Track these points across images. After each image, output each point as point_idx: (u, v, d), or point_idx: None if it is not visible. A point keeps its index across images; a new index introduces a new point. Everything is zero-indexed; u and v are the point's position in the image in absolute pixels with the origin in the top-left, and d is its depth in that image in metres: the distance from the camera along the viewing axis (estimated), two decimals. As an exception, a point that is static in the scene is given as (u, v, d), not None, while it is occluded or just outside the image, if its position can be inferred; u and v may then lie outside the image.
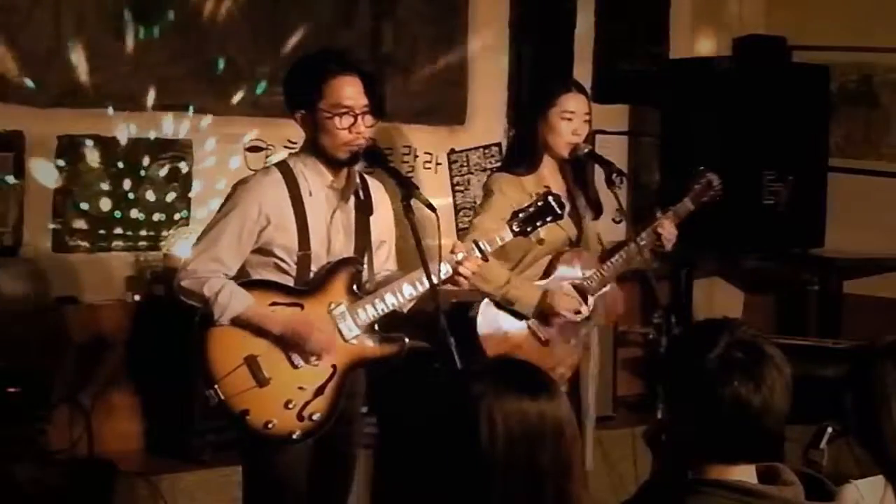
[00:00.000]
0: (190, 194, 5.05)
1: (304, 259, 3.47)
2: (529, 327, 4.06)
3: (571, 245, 4.13)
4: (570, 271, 4.10)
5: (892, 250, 6.07)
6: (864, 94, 6.34)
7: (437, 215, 3.29)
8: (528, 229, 3.61)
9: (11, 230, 4.64)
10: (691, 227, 4.17)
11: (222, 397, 3.36)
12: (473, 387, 1.87)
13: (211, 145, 5.10)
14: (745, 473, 2.10)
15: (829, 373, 4.53)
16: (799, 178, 6.02)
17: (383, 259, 3.66)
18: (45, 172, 4.70)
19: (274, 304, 3.44)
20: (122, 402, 4.77)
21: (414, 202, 3.29)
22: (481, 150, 5.95)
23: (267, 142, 5.20)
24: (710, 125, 5.84)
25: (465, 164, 5.91)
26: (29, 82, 4.63)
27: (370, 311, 3.49)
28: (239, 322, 3.38)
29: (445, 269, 3.43)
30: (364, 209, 3.60)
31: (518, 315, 4.04)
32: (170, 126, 4.98)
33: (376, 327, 3.54)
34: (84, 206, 4.79)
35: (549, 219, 3.61)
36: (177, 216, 5.01)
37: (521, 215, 3.61)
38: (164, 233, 4.95)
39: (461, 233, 5.40)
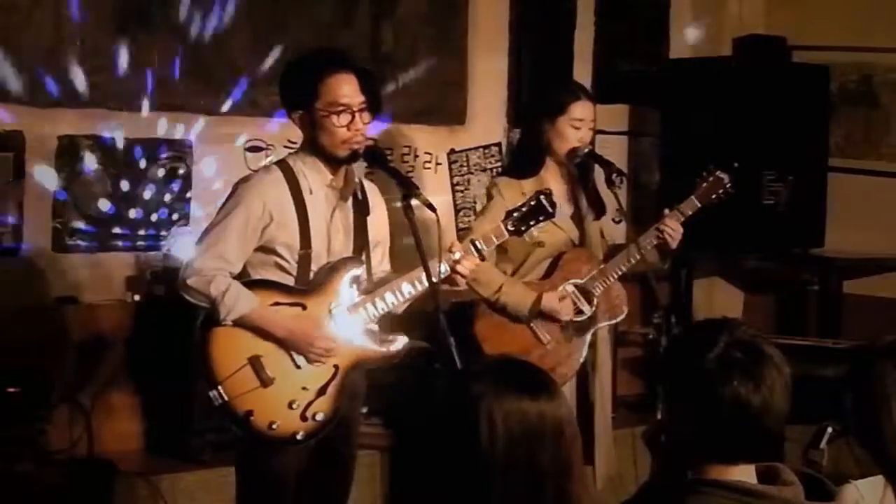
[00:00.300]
0: (189, 194, 5.05)
1: (305, 258, 3.47)
2: (531, 327, 4.06)
3: (574, 246, 4.13)
4: (572, 272, 4.10)
5: (892, 250, 6.07)
6: (864, 94, 6.34)
7: (437, 215, 3.29)
8: (522, 228, 3.61)
9: (11, 230, 4.64)
10: (691, 227, 4.16)
11: (226, 398, 3.36)
12: (473, 387, 1.88)
13: (210, 145, 5.10)
14: (744, 473, 2.09)
15: (829, 373, 4.53)
16: (799, 178, 6.02)
17: (379, 260, 3.67)
18: (44, 172, 4.70)
19: (276, 304, 3.44)
20: (122, 402, 4.77)
21: (414, 202, 3.30)
22: (481, 150, 5.95)
23: (267, 142, 5.20)
24: (709, 125, 5.84)
25: (465, 164, 5.91)
26: (29, 82, 4.63)
27: (371, 311, 3.49)
28: (242, 322, 3.38)
29: (444, 269, 3.44)
30: (362, 209, 3.61)
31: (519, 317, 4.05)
32: (170, 126, 4.98)
33: (377, 327, 3.54)
34: (84, 206, 4.79)
35: (541, 217, 3.62)
36: (176, 216, 5.01)
37: (514, 214, 3.61)
38: (164, 232, 4.95)
39: (461, 233, 5.41)
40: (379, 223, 3.68)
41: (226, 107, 5.10)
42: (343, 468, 3.70)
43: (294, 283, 3.48)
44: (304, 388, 3.43)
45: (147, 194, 4.94)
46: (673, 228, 4.05)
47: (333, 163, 3.51)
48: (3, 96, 4.58)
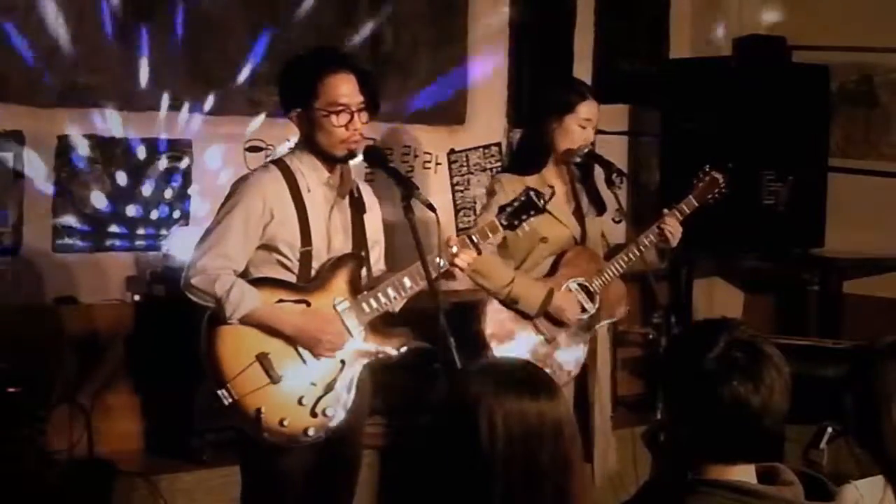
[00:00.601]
0: (189, 194, 5.05)
1: (306, 255, 3.48)
2: (535, 325, 4.08)
3: (576, 243, 4.15)
4: (575, 270, 4.11)
5: (892, 250, 6.07)
6: (864, 94, 6.34)
7: (437, 215, 3.29)
8: (515, 223, 3.62)
9: (11, 230, 4.64)
10: (691, 227, 4.19)
11: (235, 397, 3.36)
12: (473, 387, 1.88)
13: (210, 145, 5.10)
14: (744, 473, 2.10)
15: (829, 373, 4.52)
16: (799, 178, 6.02)
17: (376, 259, 3.68)
18: (44, 172, 4.70)
19: (280, 301, 3.44)
20: (122, 402, 4.77)
21: (414, 202, 3.30)
22: (481, 150, 5.95)
23: (266, 141, 5.20)
24: (709, 125, 5.84)
25: (465, 164, 5.91)
26: (29, 82, 4.62)
27: (374, 305, 3.50)
28: (249, 320, 3.38)
29: (442, 263, 3.45)
30: (358, 207, 3.62)
31: (524, 314, 4.06)
32: (169, 125, 4.98)
33: (380, 322, 3.55)
34: (83, 206, 4.79)
35: (532, 213, 3.62)
36: (176, 216, 5.01)
37: (507, 209, 3.63)
38: (164, 232, 4.95)
39: (461, 233, 5.40)
40: (374, 223, 3.69)
41: (226, 106, 5.10)
42: (349, 468, 3.70)
43: (296, 280, 3.49)
44: (312, 384, 3.44)
45: (147, 194, 4.94)
46: (672, 227, 4.09)
47: (331, 162, 3.51)
48: (3, 96, 4.58)
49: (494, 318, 4.07)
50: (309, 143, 3.52)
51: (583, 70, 6.08)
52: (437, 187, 5.69)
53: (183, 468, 4.53)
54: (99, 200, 4.83)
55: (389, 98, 5.37)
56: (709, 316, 4.27)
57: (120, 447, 4.68)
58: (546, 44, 6.01)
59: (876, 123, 6.33)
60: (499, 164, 5.91)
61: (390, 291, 3.50)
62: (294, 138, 3.66)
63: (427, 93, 5.70)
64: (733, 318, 2.26)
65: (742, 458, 2.10)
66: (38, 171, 4.68)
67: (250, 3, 5.14)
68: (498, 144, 5.99)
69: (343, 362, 3.49)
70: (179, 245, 4.71)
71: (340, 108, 3.43)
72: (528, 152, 4.21)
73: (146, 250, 4.93)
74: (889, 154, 6.27)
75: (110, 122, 4.83)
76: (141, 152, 4.92)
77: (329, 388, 3.46)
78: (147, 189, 4.94)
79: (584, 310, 4.11)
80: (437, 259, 3.40)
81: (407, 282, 3.49)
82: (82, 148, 4.78)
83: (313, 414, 3.43)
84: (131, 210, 4.91)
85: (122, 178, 4.88)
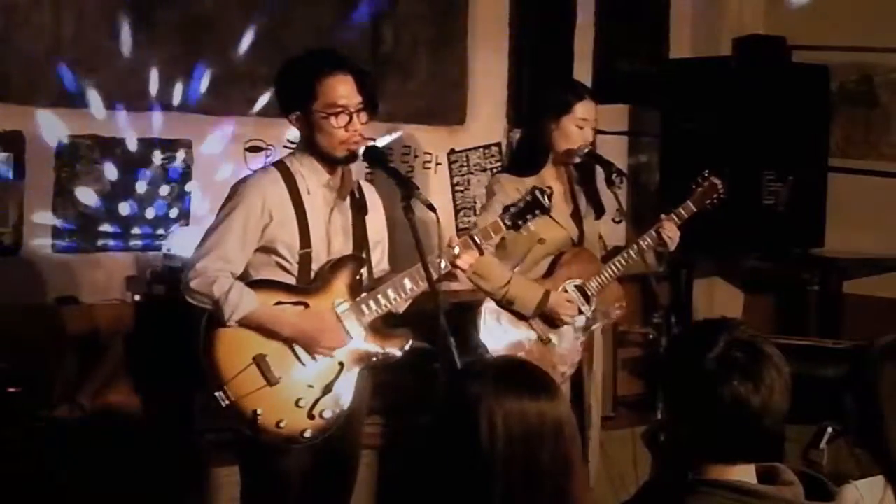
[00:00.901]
0: (189, 194, 5.05)
1: (305, 257, 3.48)
2: (532, 326, 4.08)
3: (573, 245, 4.15)
4: (572, 271, 4.11)
5: (892, 250, 6.07)
6: (864, 94, 6.34)
7: (437, 215, 3.29)
8: (519, 223, 3.62)
9: (11, 230, 4.64)
10: (691, 227, 4.20)
11: (233, 399, 3.36)
12: (473, 387, 1.88)
13: (210, 145, 5.10)
14: (744, 473, 2.10)
15: (829, 373, 4.52)
16: (799, 178, 6.01)
17: (378, 259, 3.68)
18: (44, 172, 4.70)
19: (279, 303, 3.44)
20: (122, 402, 4.76)
21: (414, 202, 3.30)
22: (481, 150, 5.95)
23: (266, 142, 5.20)
24: (709, 125, 5.84)
25: (465, 164, 5.91)
26: (29, 82, 4.62)
27: (374, 307, 3.50)
28: (247, 322, 3.38)
29: (443, 264, 3.45)
30: (360, 208, 3.62)
31: (520, 315, 4.07)
32: (169, 125, 4.98)
33: (380, 323, 3.55)
34: (84, 206, 4.79)
35: (536, 212, 3.62)
36: (176, 216, 5.01)
37: (511, 209, 3.63)
38: (164, 232, 4.95)
39: (461, 233, 5.39)
40: (377, 223, 3.68)
41: (226, 107, 5.10)
42: (347, 468, 3.70)
43: (296, 282, 3.48)
44: (309, 386, 3.44)
45: (147, 194, 4.94)
46: (670, 232, 4.10)
47: (331, 163, 3.52)
48: (3, 96, 4.58)
49: (490, 318, 4.07)
50: (309, 145, 3.52)
51: (583, 70, 6.08)
52: (437, 187, 5.70)
53: (183, 468, 4.52)
54: (99, 200, 4.83)
55: (389, 98, 5.37)
56: (709, 316, 4.28)
57: (120, 447, 4.68)
58: (546, 44, 6.01)
59: (876, 123, 6.33)
60: (499, 164, 5.91)
61: (390, 293, 3.50)
62: (292, 136, 3.66)
63: (427, 93, 5.70)
64: (733, 318, 2.26)
65: (742, 458, 2.10)
66: (38, 171, 4.68)
67: (250, 3, 5.14)
68: (498, 144, 5.99)
69: (342, 364, 3.49)
70: (179, 245, 4.72)
71: (339, 109, 3.43)
72: (526, 153, 4.21)
73: (146, 250, 4.93)
74: (889, 154, 6.27)
75: (110, 122, 4.83)
76: (141, 152, 4.92)
77: (327, 389, 3.46)
78: (147, 189, 4.94)
79: (580, 311, 4.12)
80: (438, 259, 3.40)
81: (407, 283, 3.49)
82: (82, 148, 4.78)
83: (310, 416, 3.43)
84: (131, 210, 4.91)
85: (121, 178, 4.88)
